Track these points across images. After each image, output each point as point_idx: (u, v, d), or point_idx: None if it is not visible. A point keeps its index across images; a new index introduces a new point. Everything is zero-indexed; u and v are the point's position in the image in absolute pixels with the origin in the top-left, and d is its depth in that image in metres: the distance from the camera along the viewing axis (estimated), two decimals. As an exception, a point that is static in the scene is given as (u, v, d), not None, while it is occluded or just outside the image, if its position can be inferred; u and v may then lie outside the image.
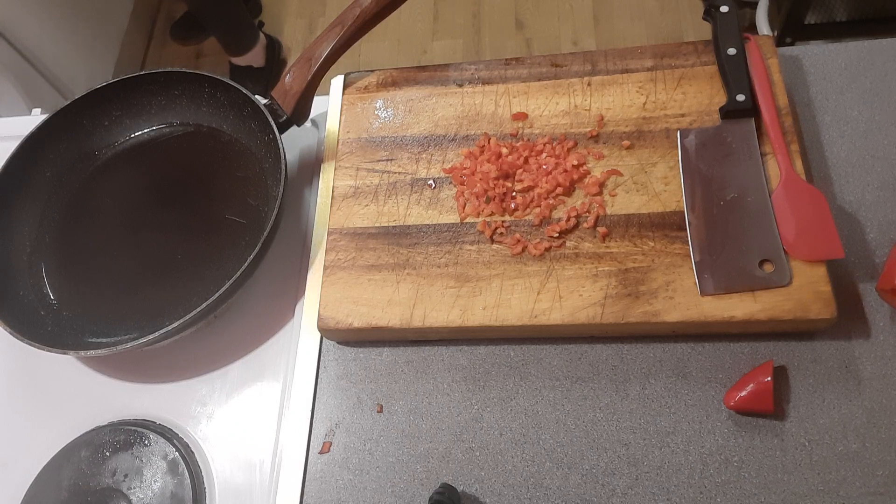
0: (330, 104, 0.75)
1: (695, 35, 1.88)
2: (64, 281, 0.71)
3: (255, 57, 1.92)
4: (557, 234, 0.61)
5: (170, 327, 0.60)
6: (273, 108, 0.70)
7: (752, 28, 1.70)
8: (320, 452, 0.60)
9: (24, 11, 1.71)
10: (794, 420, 0.55)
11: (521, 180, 0.65)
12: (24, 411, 0.68)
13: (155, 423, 0.65)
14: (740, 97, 0.62)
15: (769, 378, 0.54)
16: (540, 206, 0.63)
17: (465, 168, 0.66)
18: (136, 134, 0.79)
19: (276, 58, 2.02)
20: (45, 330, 0.67)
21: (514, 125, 0.68)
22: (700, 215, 0.60)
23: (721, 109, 0.64)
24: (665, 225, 0.60)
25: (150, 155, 0.77)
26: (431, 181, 0.67)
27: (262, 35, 1.99)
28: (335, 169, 0.69)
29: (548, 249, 0.61)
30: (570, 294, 0.59)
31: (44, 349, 0.62)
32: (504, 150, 0.66)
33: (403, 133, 0.70)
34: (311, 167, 0.75)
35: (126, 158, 0.78)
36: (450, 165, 0.67)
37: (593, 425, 0.57)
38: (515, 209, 0.63)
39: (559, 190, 0.63)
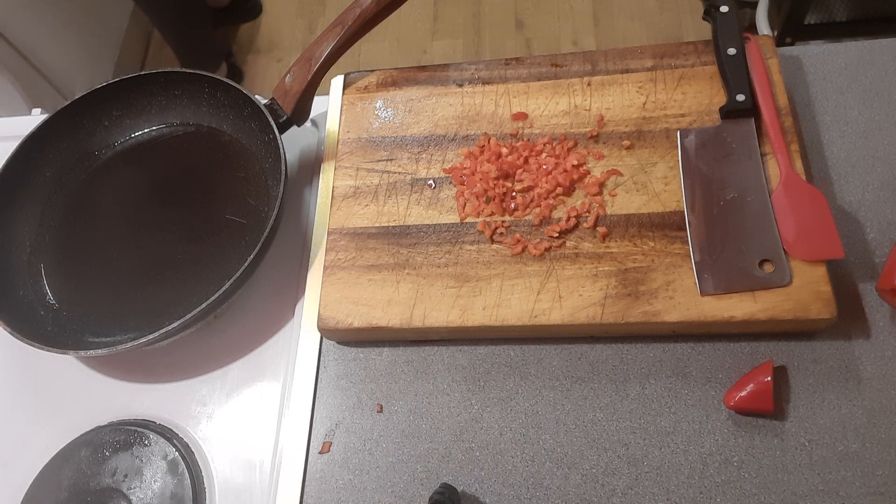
0: (330, 104, 0.75)
1: (695, 35, 1.88)
2: (64, 281, 0.71)
3: None
4: (557, 234, 0.61)
5: (170, 327, 0.60)
6: (273, 108, 0.70)
7: (752, 28, 1.70)
8: (320, 452, 0.60)
9: (25, 11, 1.71)
10: (794, 420, 0.55)
11: (521, 180, 0.65)
12: (24, 411, 0.68)
13: (155, 423, 0.65)
14: (740, 97, 0.62)
15: (769, 378, 0.54)
16: (540, 206, 0.63)
17: (465, 168, 0.66)
18: (136, 134, 0.79)
19: None
20: (45, 330, 0.67)
21: (514, 125, 0.68)
22: (700, 215, 0.60)
23: (721, 109, 0.64)
24: (665, 225, 0.60)
25: (150, 155, 0.77)
26: (431, 181, 0.67)
27: (224, 64, 2.02)
28: (335, 169, 0.69)
29: (548, 249, 0.61)
30: (570, 294, 0.59)
31: (44, 349, 0.62)
32: (504, 150, 0.66)
33: (403, 133, 0.70)
34: (311, 167, 0.75)
35: (126, 158, 0.78)
36: (450, 165, 0.67)
37: (593, 425, 0.57)
38: (515, 209, 0.63)
39: (559, 190, 0.63)
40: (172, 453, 0.62)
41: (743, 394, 0.54)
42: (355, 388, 0.62)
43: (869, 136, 0.65)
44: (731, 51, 0.64)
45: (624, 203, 0.62)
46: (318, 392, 0.63)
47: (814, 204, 0.58)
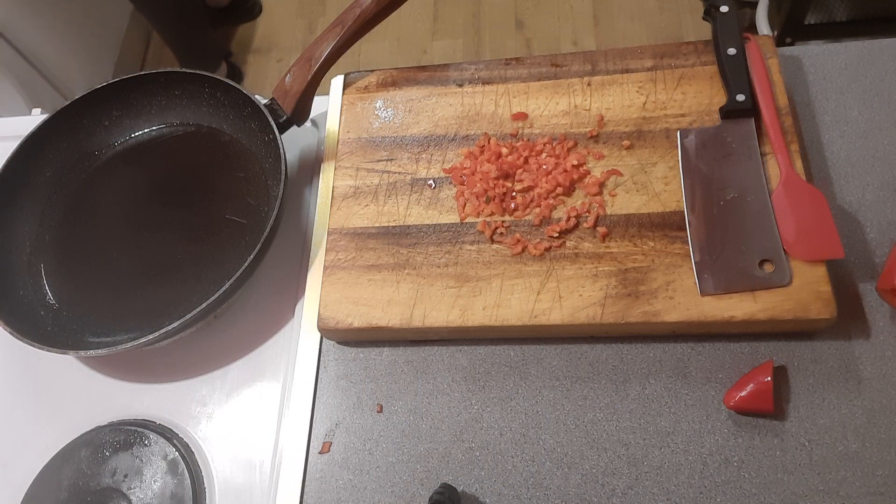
0: (330, 104, 0.75)
1: (695, 35, 1.88)
2: (64, 281, 0.71)
3: None
4: (557, 234, 0.61)
5: (170, 327, 0.60)
6: (273, 108, 0.70)
7: (752, 28, 1.70)
8: (320, 452, 0.60)
9: (25, 12, 1.71)
10: (794, 420, 0.55)
11: (521, 180, 0.65)
12: (24, 411, 0.68)
13: (155, 423, 0.65)
14: (740, 97, 0.62)
15: (769, 378, 0.54)
16: (540, 206, 0.63)
17: (465, 168, 0.66)
18: (136, 134, 0.79)
19: None
20: (45, 330, 0.67)
21: (514, 125, 0.68)
22: (700, 215, 0.60)
23: (721, 109, 0.64)
24: (665, 225, 0.60)
25: (150, 155, 0.77)
26: (431, 181, 0.67)
27: (224, 64, 2.02)
28: (335, 169, 0.69)
29: (548, 249, 0.61)
30: (570, 294, 0.59)
31: (44, 349, 0.62)
32: (504, 150, 0.66)
33: (403, 133, 0.70)
34: (311, 167, 0.75)
35: (126, 158, 0.78)
36: (450, 165, 0.67)
37: (593, 425, 0.57)
38: (515, 209, 0.63)
39: (559, 190, 0.63)
40: (172, 453, 0.62)
41: (743, 394, 0.54)
42: (355, 388, 0.62)
43: (869, 136, 0.65)
44: (731, 51, 0.64)
45: (624, 203, 0.62)
46: (318, 392, 0.63)
47: (814, 204, 0.58)
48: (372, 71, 0.74)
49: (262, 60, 2.15)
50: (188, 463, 0.61)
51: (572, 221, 0.61)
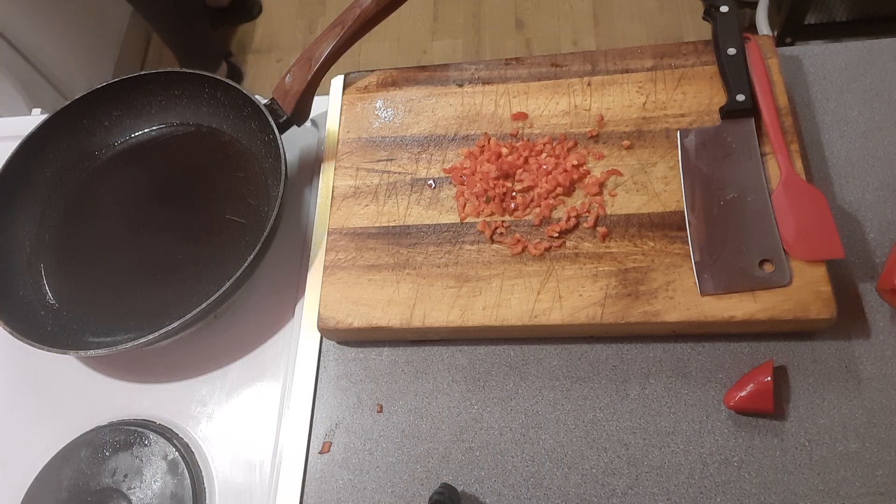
0: (330, 104, 0.75)
1: (695, 35, 1.88)
2: (64, 281, 0.71)
3: None
4: (557, 234, 0.61)
5: (170, 327, 0.60)
6: (273, 108, 0.70)
7: (752, 28, 1.70)
8: (320, 452, 0.60)
9: (25, 12, 1.71)
10: (794, 420, 0.55)
11: (521, 180, 0.65)
12: (24, 411, 0.68)
13: (155, 423, 0.65)
14: (740, 97, 0.62)
15: (769, 378, 0.54)
16: (540, 206, 0.63)
17: (465, 168, 0.66)
18: (136, 134, 0.79)
19: None
20: (45, 330, 0.67)
21: (514, 125, 0.68)
22: (700, 215, 0.60)
23: (721, 109, 0.64)
24: (665, 225, 0.60)
25: (150, 155, 0.77)
26: (431, 181, 0.67)
27: (224, 64, 2.02)
28: (335, 169, 0.69)
29: (548, 249, 0.61)
30: (570, 294, 0.59)
31: (44, 349, 0.62)
32: (504, 150, 0.66)
33: (403, 133, 0.70)
34: (311, 167, 0.75)
35: (126, 158, 0.78)
36: (450, 165, 0.67)
37: (593, 425, 0.57)
38: (515, 209, 0.63)
39: (559, 190, 0.63)
40: (172, 453, 0.62)
41: (743, 394, 0.55)
42: (355, 388, 0.62)
43: (869, 136, 0.65)
44: (731, 51, 0.64)
45: (624, 203, 0.62)
46: (318, 392, 0.63)
47: (814, 204, 0.58)
48: (372, 71, 0.74)
49: (262, 60, 2.15)
50: (188, 463, 0.61)
51: (572, 221, 0.61)
